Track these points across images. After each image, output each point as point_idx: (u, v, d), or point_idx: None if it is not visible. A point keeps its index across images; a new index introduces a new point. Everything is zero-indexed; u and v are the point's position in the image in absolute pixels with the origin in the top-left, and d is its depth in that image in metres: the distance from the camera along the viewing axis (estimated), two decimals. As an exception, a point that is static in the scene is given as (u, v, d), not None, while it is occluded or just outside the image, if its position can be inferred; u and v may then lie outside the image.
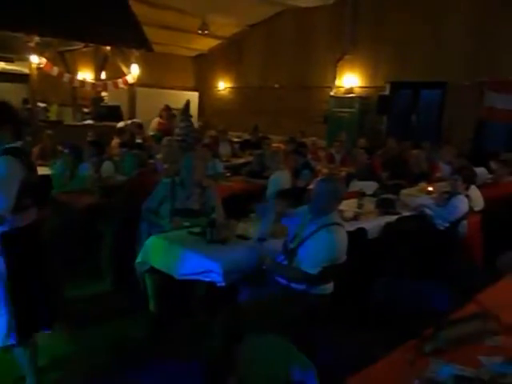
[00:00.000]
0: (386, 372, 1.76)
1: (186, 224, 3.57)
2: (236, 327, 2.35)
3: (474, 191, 4.53)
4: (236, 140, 10.50)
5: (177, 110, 12.08)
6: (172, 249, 3.18)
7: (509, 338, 1.99)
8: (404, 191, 5.29)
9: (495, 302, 2.32)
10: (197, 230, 3.37)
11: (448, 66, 9.61)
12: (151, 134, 9.07)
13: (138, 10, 9.83)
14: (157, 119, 9.93)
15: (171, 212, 3.71)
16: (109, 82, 10.38)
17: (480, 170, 6.06)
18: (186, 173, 3.80)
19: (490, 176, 5.97)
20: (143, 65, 10.89)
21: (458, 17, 9.38)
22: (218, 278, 2.87)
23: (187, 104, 7.49)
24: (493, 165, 5.77)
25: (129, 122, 9.34)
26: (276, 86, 12.81)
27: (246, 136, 10.78)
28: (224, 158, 7.84)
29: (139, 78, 10.63)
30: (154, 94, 11.99)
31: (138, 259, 3.40)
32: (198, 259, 3.00)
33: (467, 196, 4.32)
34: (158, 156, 6.13)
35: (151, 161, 6.08)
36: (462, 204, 4.24)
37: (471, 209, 4.32)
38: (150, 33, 10.16)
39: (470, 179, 4.42)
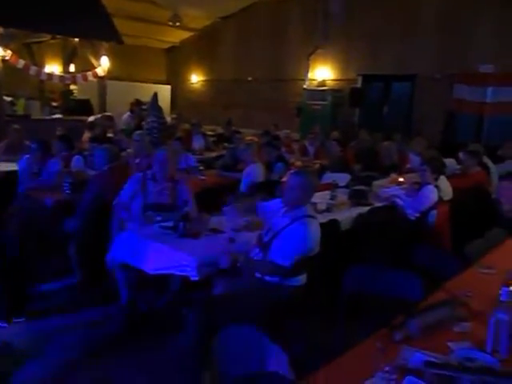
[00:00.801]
0: (358, 361, 1.78)
1: (158, 218, 3.53)
2: (210, 320, 2.35)
3: (443, 181, 4.62)
4: (210, 133, 10.44)
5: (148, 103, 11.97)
6: (144, 243, 3.15)
7: (476, 324, 2.04)
8: (376, 182, 5.37)
9: (463, 290, 2.38)
10: (169, 224, 3.34)
11: (418, 59, 9.77)
12: (122, 128, 8.92)
13: (108, 1, 9.63)
14: (128, 113, 9.78)
15: (143, 207, 3.67)
16: (78, 75, 10.16)
17: (449, 161, 6.18)
18: (158, 167, 3.76)
19: (458, 166, 6.09)
20: (114, 57, 10.70)
21: (428, 11, 9.55)
22: (191, 272, 2.85)
23: (155, 97, 7.41)
24: (461, 155, 5.89)
25: (99, 115, 9.15)
26: (249, 78, 12.78)
27: (220, 130, 10.72)
28: (197, 151, 7.78)
29: (110, 71, 10.44)
30: (125, 88, 11.79)
31: (109, 254, 3.35)
32: (171, 253, 2.98)
33: (436, 186, 4.40)
34: (129, 150, 6.04)
35: (122, 155, 5.99)
36: (431, 194, 4.32)
37: (440, 199, 4.41)
38: (120, 24, 9.97)
39: (438, 170, 4.50)
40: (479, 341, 1.88)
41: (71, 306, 3.64)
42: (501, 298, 1.81)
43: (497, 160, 6.87)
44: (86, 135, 7.08)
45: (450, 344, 1.89)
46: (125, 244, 3.27)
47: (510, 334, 1.82)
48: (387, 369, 1.59)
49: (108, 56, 10.17)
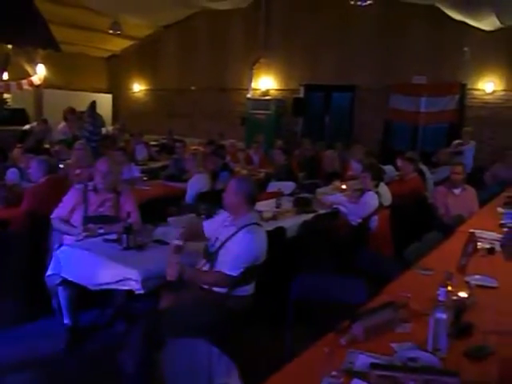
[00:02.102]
0: (306, 367, 1.80)
1: (101, 231, 3.41)
2: (155, 334, 2.28)
3: (383, 187, 4.80)
4: (153, 143, 10.27)
5: (89, 112, 11.60)
6: (85, 258, 3.02)
7: (417, 324, 2.11)
8: (319, 190, 5.49)
9: (403, 291, 2.47)
10: (112, 236, 3.23)
11: (357, 70, 10.17)
12: (61, 138, 8.57)
13: (44, 7, 9.27)
14: (63, 123, 9.41)
15: (84, 219, 3.53)
16: (12, 83, 9.68)
17: (388, 168, 6.45)
18: (100, 178, 3.64)
19: (397, 173, 6.35)
20: (51, 65, 10.31)
21: (366, 24, 9.94)
22: (135, 286, 2.77)
23: (92, 105, 7.21)
24: (399, 162, 6.15)
25: (34, 123, 8.75)
26: (193, 88, 12.72)
27: (163, 140, 10.58)
28: (140, 162, 7.63)
29: (47, 80, 10.05)
30: (63, 96, 11.33)
31: (49, 271, 3.19)
32: (114, 267, 2.87)
33: (377, 192, 4.56)
34: (69, 161, 5.82)
35: (61, 166, 5.76)
36: (372, 200, 4.47)
37: (381, 204, 4.57)
38: (58, 32, 9.62)
39: (378, 176, 4.68)
40: (421, 340, 1.95)
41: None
42: (439, 298, 1.89)
43: (431, 166, 7.25)
44: (18, 147, 6.71)
45: (393, 345, 1.94)
46: (65, 259, 3.12)
47: (448, 332, 1.91)
48: (334, 373, 1.61)
49: (45, 64, 9.80)
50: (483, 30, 7.90)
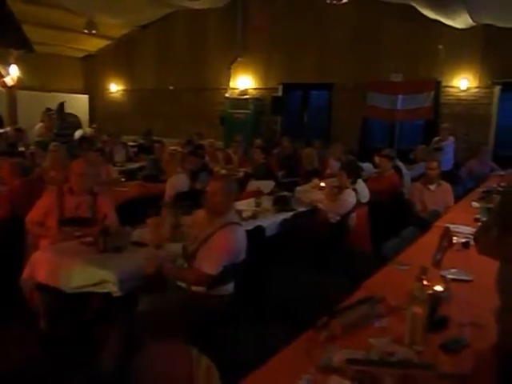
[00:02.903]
0: (284, 364, 1.80)
1: (77, 234, 3.36)
2: (134, 336, 2.26)
3: (360, 184, 4.85)
4: (132, 144, 10.17)
5: (66, 113, 11.42)
6: (61, 261, 2.97)
7: (394, 319, 2.14)
8: (299, 188, 5.51)
9: (381, 287, 2.50)
10: (88, 239, 3.18)
11: (335, 68, 10.23)
12: (36, 140, 8.43)
13: (17, 7, 9.06)
14: (40, 124, 9.25)
15: (59, 222, 3.47)
16: (-16, 85, 9.48)
17: (366, 165, 6.52)
18: (75, 179, 3.58)
19: (375, 170, 6.42)
20: (25, 66, 10.10)
21: (343, 23, 10.01)
22: (113, 288, 2.73)
23: (60, 106, 7.11)
24: (376, 159, 6.22)
25: (8, 128, 8.57)
26: (171, 87, 12.63)
27: (142, 140, 10.48)
28: (118, 163, 7.54)
29: (20, 81, 9.84)
30: (38, 98, 11.14)
31: (24, 275, 3.13)
32: (91, 270, 2.83)
33: (354, 189, 4.60)
34: (45, 164, 5.72)
35: (37, 169, 5.65)
36: (350, 197, 4.51)
37: (358, 201, 4.61)
38: (31, 32, 9.44)
39: (355, 173, 4.71)
40: (398, 335, 1.97)
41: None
42: (414, 293, 1.91)
43: (409, 163, 7.36)
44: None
45: (371, 340, 1.96)
46: (40, 263, 3.06)
47: (424, 326, 1.93)
48: (312, 371, 1.62)
49: (18, 65, 9.59)
50: (457, 28, 8.03)
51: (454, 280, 2.65)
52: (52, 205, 3.52)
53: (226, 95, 11.52)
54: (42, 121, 9.24)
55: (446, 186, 5.19)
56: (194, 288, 2.84)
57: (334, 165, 6.57)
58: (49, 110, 9.29)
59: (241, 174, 6.96)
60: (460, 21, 7.40)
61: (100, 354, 2.32)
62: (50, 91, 12.20)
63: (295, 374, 1.70)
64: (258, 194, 5.09)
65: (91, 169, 3.71)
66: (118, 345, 2.27)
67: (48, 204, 3.52)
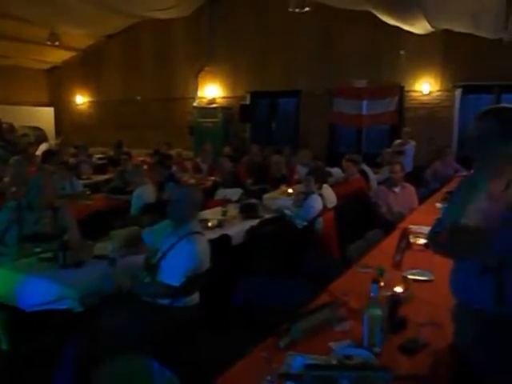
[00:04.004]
0: (243, 373, 1.78)
1: (37, 250, 3.27)
2: (90, 353, 2.20)
3: (326, 189, 4.89)
4: (100, 156, 10.03)
5: (31, 127, 11.22)
6: (18, 278, 2.88)
7: (355, 322, 2.14)
8: (266, 195, 5.53)
9: (344, 290, 2.51)
10: (48, 255, 3.10)
11: (301, 76, 10.34)
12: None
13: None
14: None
15: (19, 238, 3.37)
16: None
17: (335, 170, 6.59)
18: (35, 194, 3.50)
19: (343, 175, 6.48)
20: (-16, 79, 9.82)
21: (308, 30, 10.13)
22: (73, 304, 2.67)
23: None
24: (343, 164, 6.29)
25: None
26: (138, 98, 12.51)
27: (111, 152, 10.35)
28: (85, 175, 7.40)
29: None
30: (1, 111, 10.88)
31: (-18, 294, 3.02)
32: (50, 286, 2.76)
33: (320, 195, 4.64)
34: (6, 179, 5.57)
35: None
36: (316, 203, 4.54)
37: (325, 206, 4.64)
38: (-9, 44, 9.21)
39: (321, 179, 4.76)
40: (358, 337, 1.98)
41: None
42: (371, 294, 1.93)
43: (377, 167, 7.47)
44: None
45: (331, 344, 1.97)
46: (-2, 281, 2.97)
47: (383, 327, 1.95)
48: (269, 378, 1.61)
49: (-23, 78, 9.32)
50: (417, 34, 8.23)
51: (415, 280, 2.69)
52: (10, 221, 3.42)
53: (194, 104, 11.49)
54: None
55: (410, 188, 5.29)
56: (158, 300, 2.80)
57: (301, 171, 6.62)
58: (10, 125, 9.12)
59: (209, 183, 6.93)
60: (419, 26, 7.59)
61: (55, 371, 2.25)
62: (13, 104, 11.93)
63: (253, 382, 1.68)
64: (225, 202, 5.07)
65: (50, 183, 3.62)
66: (73, 361, 2.20)
67: (6, 220, 3.42)
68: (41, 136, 10.48)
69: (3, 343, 3.19)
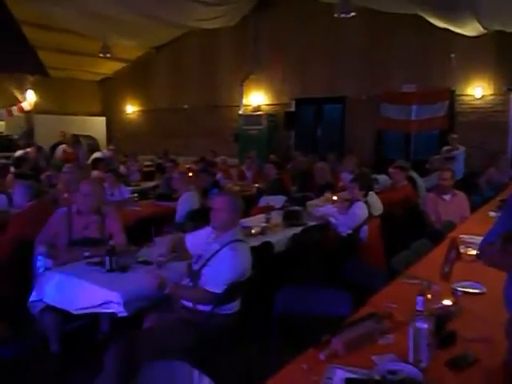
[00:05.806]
0: (283, 383, 1.74)
1: (86, 254, 3.37)
2: (133, 357, 2.23)
3: (372, 197, 4.76)
4: (148, 164, 10.30)
5: (84, 136, 11.69)
6: (67, 282, 2.98)
7: (400, 335, 2.05)
8: (310, 202, 5.46)
9: (389, 301, 2.42)
10: (95, 259, 3.19)
11: (347, 82, 10.22)
12: (52, 162, 8.62)
13: (32, 33, 9.32)
14: (62, 147, 9.47)
15: (68, 243, 3.50)
16: (1, 111, 9.72)
17: (382, 177, 6.43)
18: (82, 200, 3.62)
19: (391, 181, 6.32)
20: (42, 91, 10.35)
21: (353, 35, 10.02)
22: (118, 309, 2.72)
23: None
24: (390, 171, 6.12)
25: (28, 149, 8.77)
26: (185, 107, 12.79)
27: (159, 160, 10.63)
28: (133, 182, 7.63)
29: (38, 105, 10.08)
30: (55, 121, 11.41)
31: (32, 297, 3.14)
32: (96, 290, 2.83)
33: (366, 202, 4.52)
34: (59, 185, 5.81)
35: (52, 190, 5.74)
36: (361, 210, 4.43)
37: (370, 214, 4.52)
38: (47, 57, 9.69)
39: (367, 186, 4.63)
40: (403, 352, 1.90)
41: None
42: (417, 307, 1.84)
43: (425, 173, 7.24)
44: (11, 173, 6.73)
45: (374, 358, 1.89)
46: (47, 284, 3.07)
47: (431, 342, 1.85)
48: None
49: (35, 89, 9.85)
50: (468, 36, 7.95)
51: (465, 293, 2.56)
52: (60, 226, 3.55)
53: (240, 112, 11.60)
54: (63, 144, 9.44)
55: (462, 195, 5.07)
56: (199, 307, 2.81)
57: (346, 178, 6.50)
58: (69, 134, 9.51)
59: (253, 190, 6.94)
60: (470, 28, 7.33)
61: (98, 376, 2.30)
62: (67, 114, 12.49)
63: (293, 394, 1.65)
64: (269, 209, 5.05)
65: (98, 189, 3.73)
66: (115, 366, 2.24)
67: (56, 225, 3.55)
68: (92, 145, 10.90)
69: (53, 344, 3.30)
